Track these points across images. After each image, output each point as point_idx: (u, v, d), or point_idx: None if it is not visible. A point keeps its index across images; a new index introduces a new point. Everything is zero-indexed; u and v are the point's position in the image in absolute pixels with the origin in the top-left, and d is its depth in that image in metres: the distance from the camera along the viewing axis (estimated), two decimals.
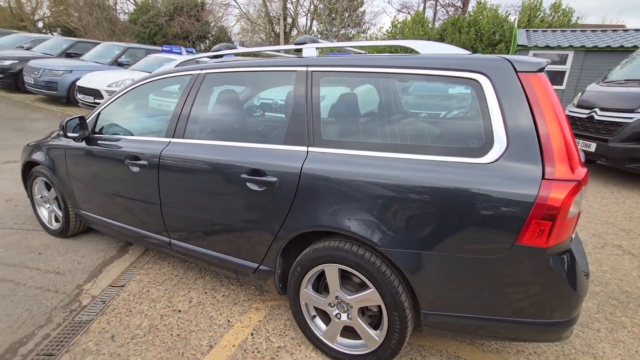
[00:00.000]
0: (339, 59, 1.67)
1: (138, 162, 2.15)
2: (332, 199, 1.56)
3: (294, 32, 19.72)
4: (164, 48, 8.27)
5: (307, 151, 1.65)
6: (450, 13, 18.05)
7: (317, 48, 1.84)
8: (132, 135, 2.33)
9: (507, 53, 10.56)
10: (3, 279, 2.42)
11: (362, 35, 19.38)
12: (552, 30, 10.00)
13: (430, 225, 1.39)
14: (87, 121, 2.48)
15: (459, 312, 1.44)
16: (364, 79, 1.63)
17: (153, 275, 2.54)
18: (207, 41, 19.69)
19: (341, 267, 1.62)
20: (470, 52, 1.55)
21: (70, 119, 2.37)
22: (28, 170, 3.02)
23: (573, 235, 1.44)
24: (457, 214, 1.34)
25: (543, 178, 1.25)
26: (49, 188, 2.96)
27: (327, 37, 19.61)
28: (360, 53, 2.05)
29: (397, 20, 13.09)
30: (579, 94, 5.30)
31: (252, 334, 1.99)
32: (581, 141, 4.77)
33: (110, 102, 2.49)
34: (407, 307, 1.52)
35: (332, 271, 1.66)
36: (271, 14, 19.23)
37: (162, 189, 2.10)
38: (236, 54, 2.21)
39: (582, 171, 1.28)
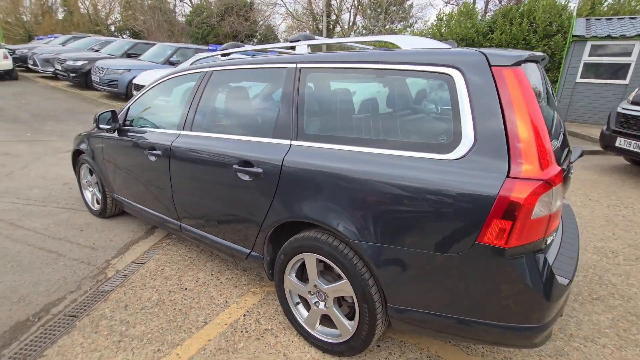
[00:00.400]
0: (323, 55, 1.72)
1: (154, 151, 2.38)
2: (308, 191, 1.62)
3: (337, 29, 19.74)
4: (209, 47, 8.78)
5: (290, 144, 1.73)
6: (502, 3, 16.85)
7: (308, 45, 1.90)
8: (153, 127, 2.57)
9: (564, 45, 9.63)
10: (50, 250, 2.81)
11: (408, 29, 18.80)
12: (619, 18, 8.92)
13: (395, 220, 1.40)
14: (119, 115, 2.78)
15: (423, 308, 1.44)
16: (344, 75, 1.66)
17: (170, 256, 2.79)
18: (255, 40, 20.47)
19: (318, 257, 1.69)
20: (451, 47, 1.52)
21: (103, 113, 2.68)
22: (76, 157, 3.45)
23: (550, 239, 1.36)
24: (421, 209, 1.34)
25: (507, 176, 1.21)
26: (91, 173, 3.36)
27: (372, 32, 19.34)
28: (367, 49, 2.07)
29: (443, 13, 12.52)
30: (636, 90, 4.73)
31: (244, 315, 2.13)
32: (633, 142, 4.27)
33: (138, 97, 2.77)
34: (377, 300, 1.55)
35: (310, 261, 1.73)
36: (315, 11, 19.41)
37: (173, 177, 2.31)
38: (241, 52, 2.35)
39: (553, 171, 1.22)
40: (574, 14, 9.03)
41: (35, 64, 11.95)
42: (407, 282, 1.44)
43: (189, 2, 23.03)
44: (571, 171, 1.65)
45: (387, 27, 19.36)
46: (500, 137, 1.24)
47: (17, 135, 6.46)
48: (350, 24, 20.32)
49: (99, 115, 2.67)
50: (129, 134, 2.71)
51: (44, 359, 1.81)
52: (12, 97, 9.55)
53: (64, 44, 13.34)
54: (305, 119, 1.72)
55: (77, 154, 3.43)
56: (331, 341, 1.77)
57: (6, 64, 10.99)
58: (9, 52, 11.41)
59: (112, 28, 30.39)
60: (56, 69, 10.85)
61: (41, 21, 30.41)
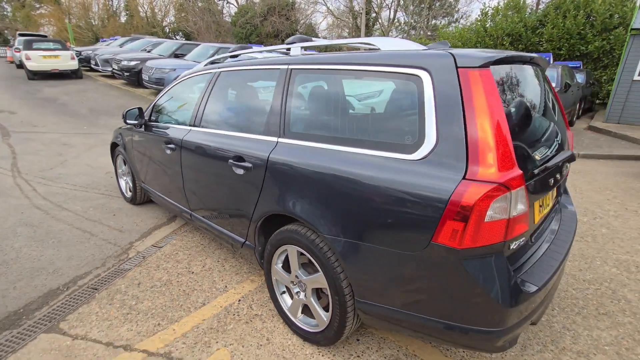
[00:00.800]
0: (311, 57, 1.80)
1: (170, 145, 2.61)
2: (288, 186, 1.72)
3: (377, 26, 19.45)
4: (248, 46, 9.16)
5: (277, 142, 1.84)
6: None
7: (301, 47, 1.99)
8: (171, 123, 2.81)
9: (626, 40, 8.71)
10: (85, 230, 3.18)
11: (452, 25, 18.03)
12: None
13: (360, 217, 1.45)
14: (146, 111, 3.07)
15: (386, 304, 1.47)
16: (326, 76, 1.73)
17: (185, 242, 3.03)
18: None
19: (299, 249, 1.78)
20: (426, 48, 1.52)
21: (130, 109, 2.97)
22: (114, 149, 3.84)
23: (516, 244, 1.33)
24: (383, 207, 1.38)
25: (464, 178, 1.22)
26: (125, 164, 3.72)
27: (414, 28, 18.81)
28: (359, 50, 2.11)
29: (488, 7, 11.87)
30: None
31: (239, 300, 2.28)
32: None
33: (162, 95, 3.03)
34: (347, 294, 1.60)
35: (292, 252, 1.83)
36: (355, 9, 19.32)
37: (184, 169, 2.52)
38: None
39: (510, 174, 1.20)
40: (638, 3, 8.15)
41: (96, 64, 13.22)
42: (371, 278, 1.48)
43: (235, 3, 24.06)
44: (557, 179, 1.58)
45: (430, 23, 18.74)
46: (460, 139, 1.25)
47: (75, 128, 7.24)
48: (390, 21, 19.94)
49: (127, 111, 2.96)
50: (153, 129, 2.98)
51: (66, 322, 2.08)
52: (76, 93, 10.66)
53: (121, 45, 14.57)
54: (291, 117, 1.81)
55: (114, 146, 3.81)
56: (310, 330, 1.86)
57: (73, 64, 12.28)
58: (75, 54, 12.73)
59: (167, 30, 32.53)
60: (113, 69, 11.90)
61: (107, 24, 33.37)
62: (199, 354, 1.84)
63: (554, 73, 6.62)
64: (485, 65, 1.29)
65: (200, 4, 25.94)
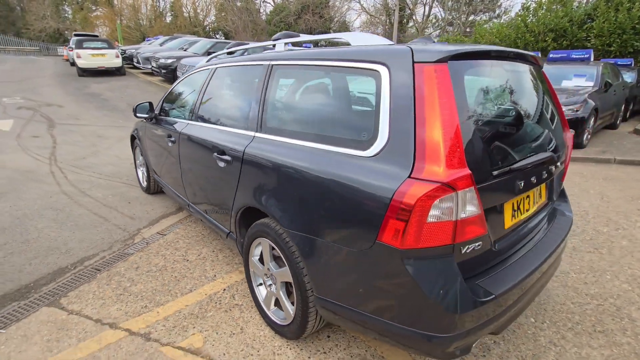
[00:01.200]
0: (288, 53, 1.81)
1: (171, 138, 2.74)
2: (259, 180, 1.75)
3: (411, 24, 18.91)
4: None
5: (254, 136, 1.88)
6: None
7: (285, 43, 2.01)
8: (175, 117, 2.95)
9: None
10: (100, 215, 3.43)
11: (494, 21, 17.08)
12: None
13: (318, 212, 1.45)
14: (157, 105, 3.24)
15: (339, 301, 1.46)
16: (300, 71, 1.73)
17: (187, 231, 3.17)
18: None
19: (270, 242, 1.81)
20: (392, 43, 1.48)
21: (141, 103, 3.15)
22: (133, 141, 4.08)
23: (469, 248, 1.26)
24: (335, 203, 1.37)
25: (409, 176, 1.18)
26: (141, 155, 3.94)
27: (451, 25, 18.06)
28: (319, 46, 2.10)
29: (530, 0, 11.12)
30: None
31: (224, 289, 2.35)
32: None
33: (170, 91, 3.18)
34: (309, 289, 1.61)
35: (265, 245, 1.86)
36: (389, 5, 18.91)
37: (181, 161, 2.64)
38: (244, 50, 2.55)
39: (458, 174, 1.14)
40: None
41: (138, 62, 14.06)
42: (327, 274, 1.48)
43: (271, 2, 24.54)
44: (532, 183, 1.47)
45: (469, 19, 17.92)
46: (409, 136, 1.21)
47: (112, 122, 7.77)
48: (425, 17, 19.33)
49: (137, 105, 3.14)
50: (161, 122, 3.14)
51: (66, 298, 2.27)
52: (118, 89, 11.42)
53: (162, 44, 15.38)
54: (267, 112, 1.84)
55: (133, 139, 4.05)
56: (280, 323, 1.89)
57: (117, 62, 13.16)
58: (120, 52, 13.63)
59: (208, 29, 33.81)
60: (152, 66, 12.61)
61: (154, 24, 35.31)
62: (175, 337, 1.93)
63: (593, 71, 6.09)
64: (442, 60, 1.23)
65: (239, 3, 26.71)
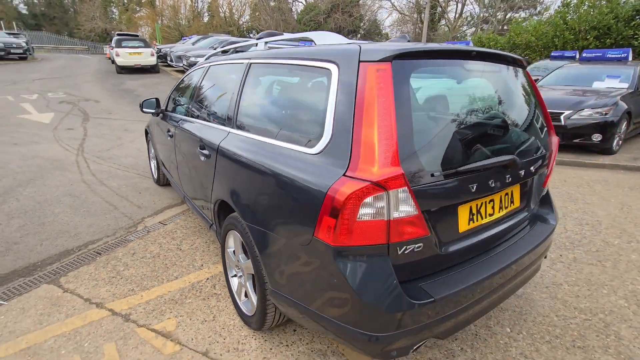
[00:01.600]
0: (264, 52, 1.86)
1: (169, 133, 2.88)
2: (228, 174, 1.81)
3: (442, 22, 18.30)
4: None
5: (229, 132, 1.94)
6: None
7: (265, 42, 2.05)
8: (177, 113, 3.09)
9: None
10: (111, 203, 3.66)
11: (534, 18, 16.13)
12: None
13: (269, 207, 1.49)
14: (162, 101, 3.41)
15: (288, 294, 1.49)
16: (269, 70, 1.77)
17: (187, 222, 3.32)
18: (358, 35, 20.74)
19: (238, 235, 1.87)
20: (350, 42, 1.48)
21: (147, 99, 3.33)
22: (147, 135, 4.31)
23: (408, 248, 1.24)
24: (282, 199, 1.40)
25: (344, 174, 1.19)
26: (153, 148, 4.16)
27: (487, 22, 17.27)
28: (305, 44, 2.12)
29: None
30: None
31: (207, 279, 2.45)
32: None
33: (174, 88, 3.33)
34: (266, 282, 1.65)
35: (235, 238, 1.93)
36: (421, 3, 18.44)
37: (177, 154, 2.76)
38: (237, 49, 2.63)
39: (390, 174, 1.13)
40: None
41: (171, 60, 14.72)
42: (277, 267, 1.51)
43: (303, 1, 24.79)
44: (491, 187, 1.42)
45: (506, 16, 17.08)
46: (348, 135, 1.21)
47: (140, 116, 8.20)
48: (457, 15, 18.64)
49: (144, 101, 3.32)
50: (165, 118, 3.30)
51: (66, 277, 2.46)
52: (151, 86, 12.03)
53: (194, 43, 15.99)
54: (241, 109, 1.90)
55: (146, 132, 4.28)
56: (247, 313, 1.94)
57: (152, 60, 13.86)
58: (155, 51, 14.33)
59: (242, 28, 34.69)
60: (183, 64, 13.15)
61: (191, 24, 36.75)
62: (151, 320, 2.04)
63: (629, 71, 5.61)
64: (385, 60, 1.22)
65: (272, 3, 27.20)
